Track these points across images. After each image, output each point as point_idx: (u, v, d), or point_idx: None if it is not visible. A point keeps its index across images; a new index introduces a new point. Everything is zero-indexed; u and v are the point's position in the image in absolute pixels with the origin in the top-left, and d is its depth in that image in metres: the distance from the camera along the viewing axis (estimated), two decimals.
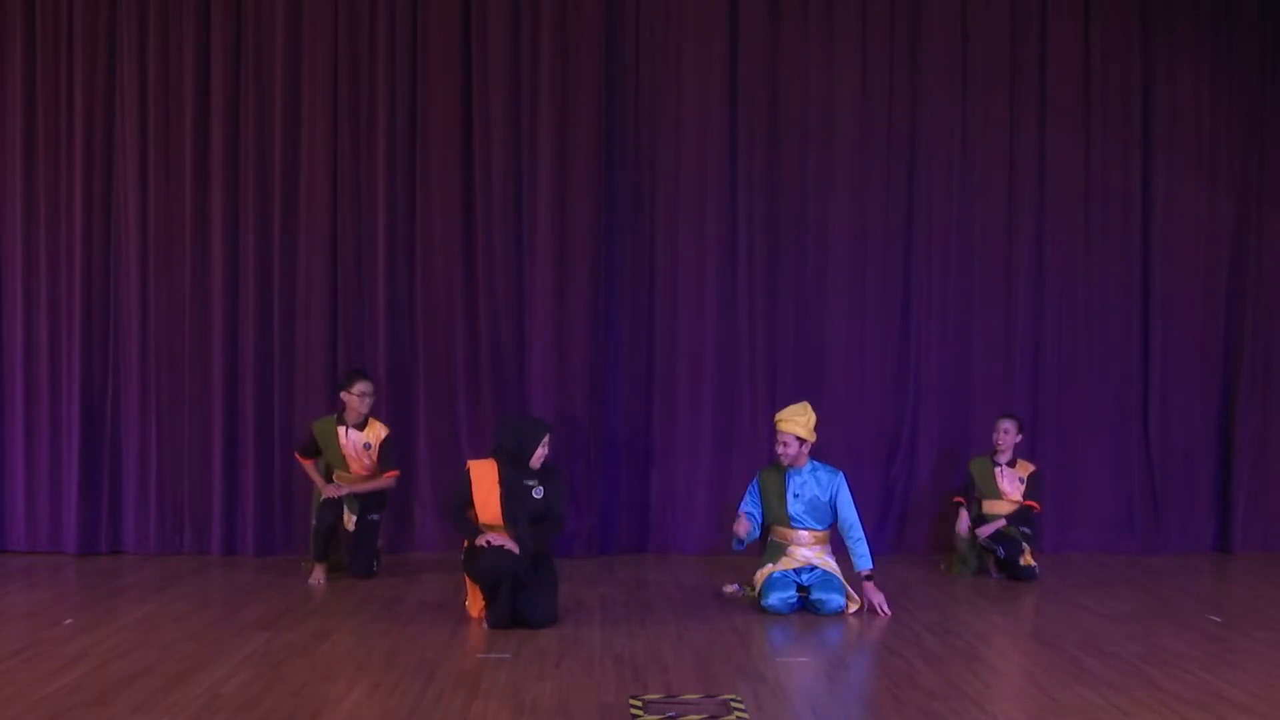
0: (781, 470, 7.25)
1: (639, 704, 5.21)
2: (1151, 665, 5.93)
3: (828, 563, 7.23)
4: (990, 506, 8.39)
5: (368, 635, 6.46)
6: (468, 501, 6.74)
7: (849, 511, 7.16)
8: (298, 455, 8.17)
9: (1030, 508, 8.36)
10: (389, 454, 7.98)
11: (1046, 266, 9.16)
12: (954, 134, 9.10)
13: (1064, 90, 9.14)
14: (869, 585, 7.06)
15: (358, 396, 7.90)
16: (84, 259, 8.78)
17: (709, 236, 8.97)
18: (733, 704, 5.22)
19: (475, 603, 6.83)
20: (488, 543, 6.57)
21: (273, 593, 7.55)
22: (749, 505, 7.31)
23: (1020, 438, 8.48)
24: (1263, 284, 9.31)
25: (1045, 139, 9.15)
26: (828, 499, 7.18)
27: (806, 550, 7.22)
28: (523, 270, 8.86)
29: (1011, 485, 8.39)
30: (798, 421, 7.16)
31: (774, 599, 7.07)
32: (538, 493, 6.72)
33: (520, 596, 6.58)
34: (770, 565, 7.21)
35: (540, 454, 6.74)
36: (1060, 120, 9.14)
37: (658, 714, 5.09)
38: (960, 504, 8.49)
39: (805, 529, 7.23)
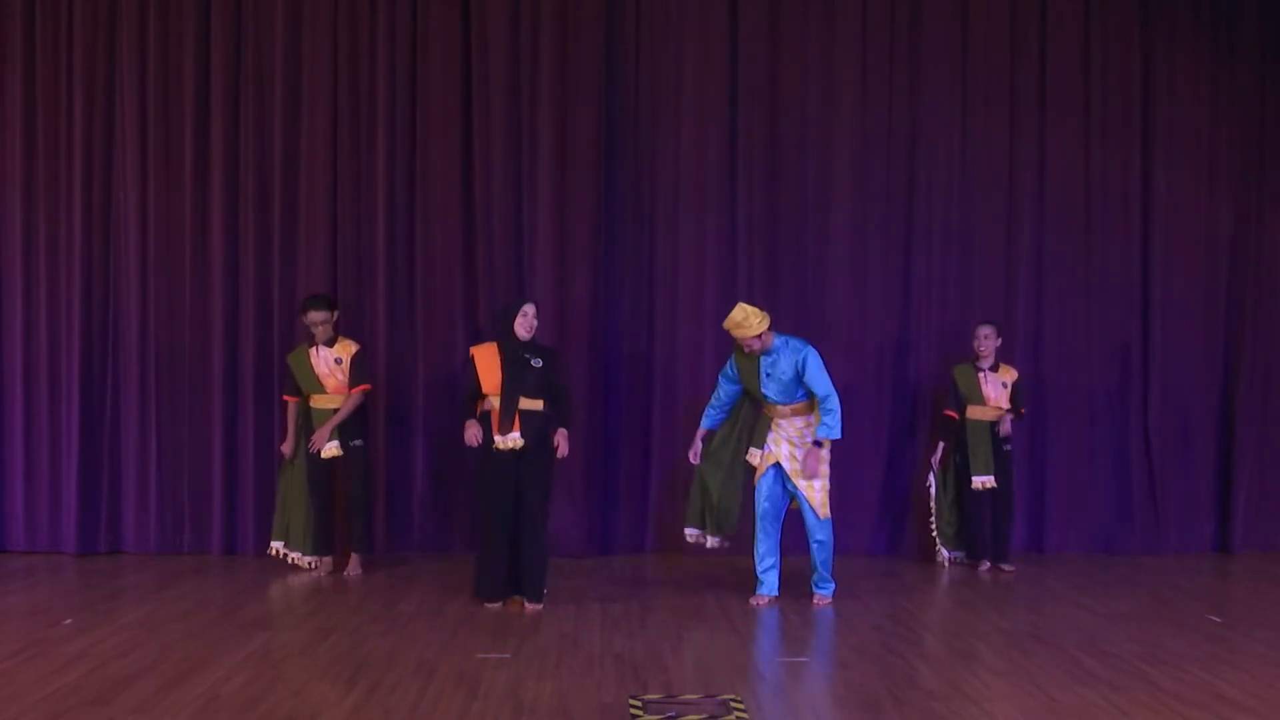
0: (755, 353, 7.32)
1: (639, 704, 5.22)
2: (1151, 665, 5.93)
3: (812, 487, 7.23)
4: (974, 412, 8.44)
5: (368, 635, 6.46)
6: (476, 387, 7.17)
7: (818, 384, 7.18)
8: (284, 397, 8.24)
9: (1019, 416, 8.53)
10: (360, 368, 8.14)
11: (1046, 266, 9.16)
12: (954, 135, 9.10)
13: (1064, 90, 9.13)
14: (814, 450, 7.18)
15: (310, 325, 8.06)
16: (84, 259, 8.78)
17: (709, 235, 8.98)
18: (733, 704, 5.23)
19: None
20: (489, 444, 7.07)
21: (273, 593, 7.56)
22: (723, 386, 7.48)
23: (1000, 342, 8.53)
24: (1262, 284, 9.31)
25: (1045, 139, 9.14)
26: (794, 373, 7.22)
27: (785, 423, 7.28)
28: (523, 269, 8.85)
29: (995, 391, 8.45)
30: (748, 325, 7.15)
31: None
32: (537, 362, 7.15)
33: (519, 492, 7.10)
34: (756, 451, 7.34)
35: (522, 323, 7.16)
36: (1060, 120, 9.13)
37: (658, 714, 5.09)
38: (951, 418, 8.53)
39: (780, 404, 7.30)
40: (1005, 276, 9.15)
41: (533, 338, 7.23)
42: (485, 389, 7.17)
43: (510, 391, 7.09)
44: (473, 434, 7.14)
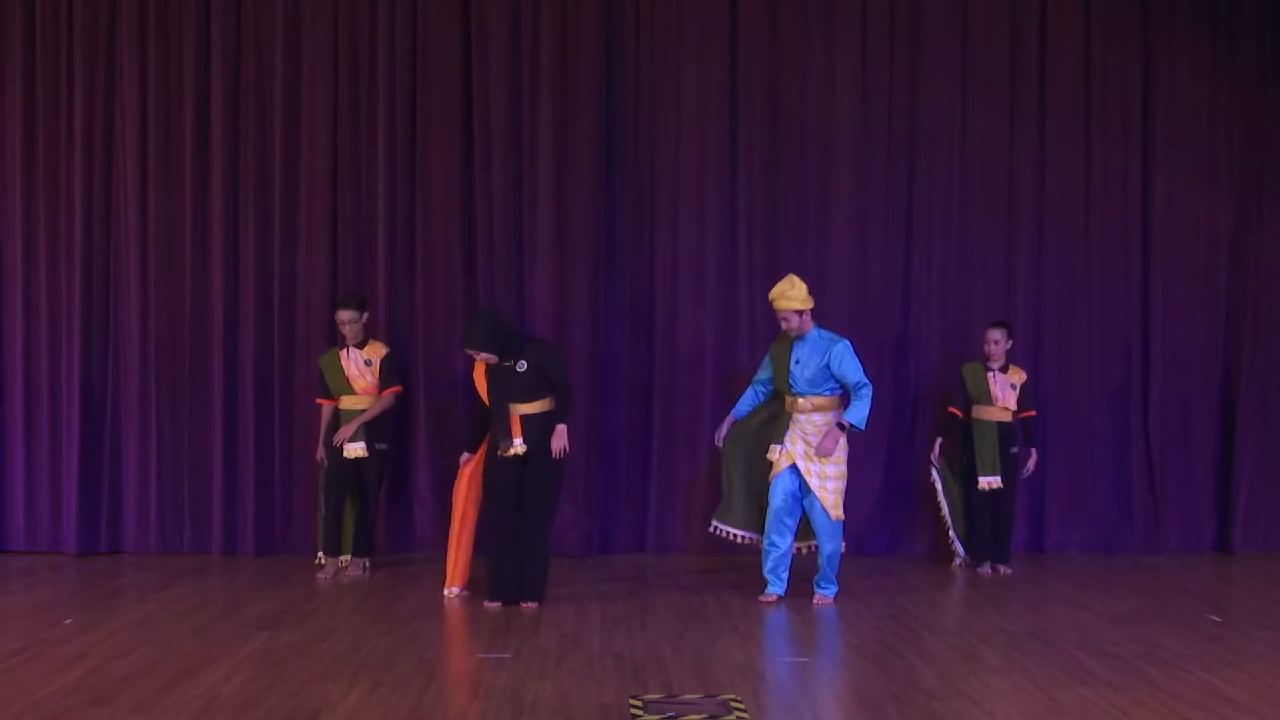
0: (789, 339, 7.38)
1: (639, 704, 5.22)
2: (1151, 665, 5.93)
3: (825, 475, 7.23)
4: (981, 412, 8.43)
5: (368, 635, 6.46)
6: (481, 403, 7.36)
7: (850, 373, 7.28)
8: (317, 400, 8.30)
9: (1029, 418, 8.52)
10: (390, 371, 8.20)
11: (1046, 266, 9.16)
12: (953, 135, 9.09)
13: (1064, 90, 9.13)
14: (835, 430, 7.23)
15: (341, 324, 8.13)
16: (84, 259, 8.78)
17: (709, 235, 8.98)
18: (733, 704, 5.23)
19: (454, 569, 7.37)
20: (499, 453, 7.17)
21: (273, 592, 7.55)
22: (761, 374, 7.62)
23: (1010, 344, 8.53)
24: (1263, 284, 9.30)
25: (1045, 139, 9.13)
26: (825, 362, 7.28)
27: (804, 419, 7.28)
28: (523, 270, 8.85)
29: (1004, 391, 8.44)
30: (790, 296, 7.27)
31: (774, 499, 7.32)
32: (520, 366, 7.13)
33: (522, 495, 7.17)
34: (775, 447, 7.32)
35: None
36: (1060, 120, 9.12)
37: (658, 714, 5.09)
38: (955, 415, 8.53)
39: (803, 396, 7.32)
40: (1005, 276, 9.14)
41: (513, 339, 7.21)
42: (488, 403, 7.25)
43: (498, 402, 7.15)
44: (461, 459, 7.50)
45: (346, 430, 8.01)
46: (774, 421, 7.50)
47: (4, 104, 8.82)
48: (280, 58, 8.76)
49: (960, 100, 9.09)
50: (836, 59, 9.01)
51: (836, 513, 7.27)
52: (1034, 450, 8.57)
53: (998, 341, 8.43)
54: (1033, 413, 8.56)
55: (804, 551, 7.56)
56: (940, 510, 8.60)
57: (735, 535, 7.66)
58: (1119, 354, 9.21)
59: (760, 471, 7.55)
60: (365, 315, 8.20)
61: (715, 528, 7.70)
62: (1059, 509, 9.14)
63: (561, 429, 7.16)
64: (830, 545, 7.30)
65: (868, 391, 7.28)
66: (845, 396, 7.41)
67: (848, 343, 7.38)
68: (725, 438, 7.64)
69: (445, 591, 7.40)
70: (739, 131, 8.97)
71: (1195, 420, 9.26)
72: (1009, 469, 8.40)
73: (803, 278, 8.90)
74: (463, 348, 7.34)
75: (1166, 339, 9.20)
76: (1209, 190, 9.25)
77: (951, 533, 8.56)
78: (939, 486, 8.56)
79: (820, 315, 8.96)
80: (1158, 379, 9.19)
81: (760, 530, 7.54)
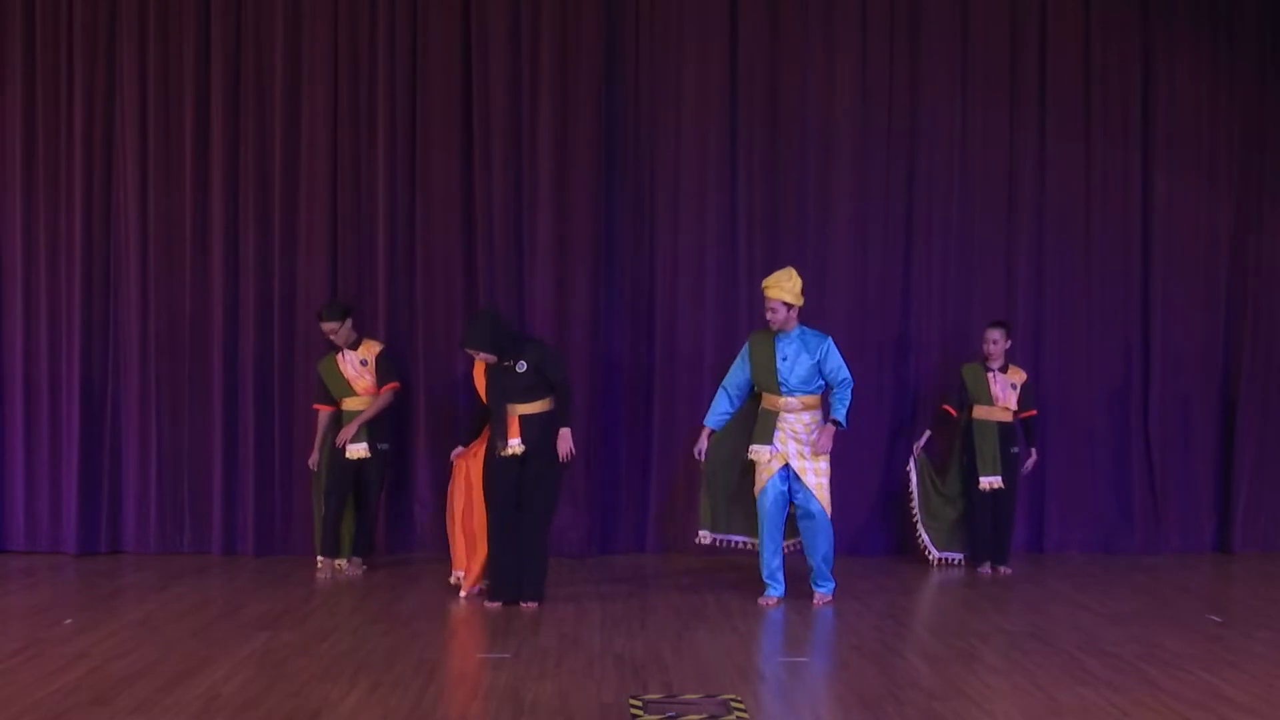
0: (771, 335, 7.34)
1: (639, 704, 5.22)
2: (1151, 665, 5.93)
3: (820, 472, 7.23)
4: (981, 412, 8.44)
5: (368, 635, 6.47)
6: (480, 402, 7.42)
7: (837, 368, 7.28)
8: (315, 405, 8.34)
9: (1030, 417, 8.55)
10: (385, 367, 8.24)
11: (1046, 266, 9.16)
12: (953, 135, 9.09)
13: (1064, 90, 9.13)
14: (829, 427, 7.24)
15: (326, 334, 8.19)
16: (84, 259, 8.78)
17: (709, 235, 8.98)
18: (733, 704, 5.23)
19: (468, 570, 7.36)
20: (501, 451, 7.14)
21: (273, 592, 7.56)
22: (736, 375, 7.47)
23: (1009, 344, 8.55)
24: (1263, 284, 9.30)
25: (1045, 139, 9.14)
26: (815, 360, 7.26)
27: (793, 418, 7.24)
28: (523, 270, 8.86)
29: (1004, 391, 8.45)
30: (784, 287, 7.25)
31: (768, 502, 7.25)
32: (520, 367, 7.12)
33: (521, 494, 7.16)
34: (763, 449, 7.26)
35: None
36: (1060, 120, 9.13)
37: (658, 714, 5.09)
38: (948, 413, 8.59)
39: (793, 395, 7.28)
40: (1005, 276, 9.15)
41: (512, 339, 7.19)
42: (486, 402, 7.28)
43: (497, 402, 7.16)
44: (453, 454, 7.57)
45: (348, 431, 8.02)
46: (748, 422, 7.45)
47: (4, 104, 8.83)
48: (280, 58, 8.76)
49: (960, 100, 9.10)
50: (836, 59, 9.01)
51: (829, 509, 7.28)
52: (1034, 450, 8.59)
53: (996, 341, 8.45)
54: (1034, 412, 8.58)
55: (790, 549, 7.55)
56: (910, 502, 8.60)
57: (728, 542, 7.63)
58: (1119, 354, 9.21)
59: (739, 474, 7.52)
60: (349, 320, 8.21)
61: (713, 539, 7.65)
62: (1059, 509, 9.15)
63: (566, 432, 7.17)
64: (826, 544, 7.29)
65: (850, 389, 7.32)
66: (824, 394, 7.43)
67: (832, 339, 7.40)
68: (706, 452, 7.51)
69: (462, 593, 7.36)
70: (739, 131, 8.98)
71: (1195, 420, 9.26)
72: (1009, 469, 8.42)
73: (802, 277, 8.95)
74: (462, 347, 7.36)
75: (1166, 339, 9.20)
76: (1209, 190, 9.26)
77: (919, 527, 8.56)
78: (913, 478, 8.57)
79: (820, 315, 9.00)
80: (1158, 379, 9.20)
81: (749, 533, 7.54)
